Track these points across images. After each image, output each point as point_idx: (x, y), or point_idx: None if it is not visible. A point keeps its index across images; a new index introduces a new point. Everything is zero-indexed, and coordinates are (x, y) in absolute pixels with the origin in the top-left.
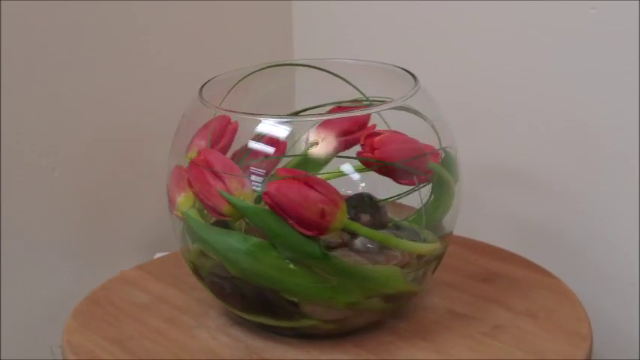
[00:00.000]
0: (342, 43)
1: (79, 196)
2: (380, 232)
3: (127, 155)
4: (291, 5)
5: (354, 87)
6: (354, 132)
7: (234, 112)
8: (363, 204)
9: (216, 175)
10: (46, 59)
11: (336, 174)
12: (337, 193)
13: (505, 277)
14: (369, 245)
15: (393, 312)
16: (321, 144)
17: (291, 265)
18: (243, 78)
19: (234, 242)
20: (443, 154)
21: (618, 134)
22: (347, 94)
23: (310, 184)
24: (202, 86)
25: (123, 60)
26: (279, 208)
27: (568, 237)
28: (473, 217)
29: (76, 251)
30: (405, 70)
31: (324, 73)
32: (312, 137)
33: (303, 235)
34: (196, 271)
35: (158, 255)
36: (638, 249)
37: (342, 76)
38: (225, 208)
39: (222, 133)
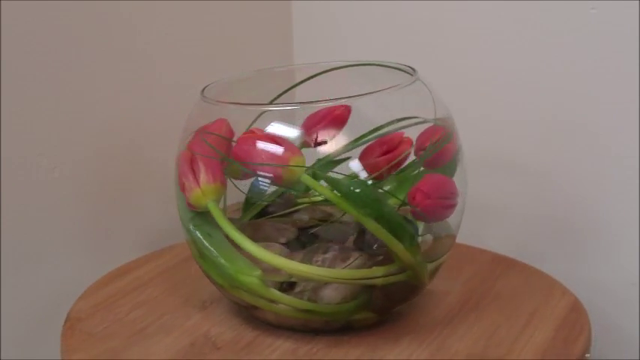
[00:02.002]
0: (342, 45)
1: (78, 196)
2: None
3: (127, 155)
4: (291, 7)
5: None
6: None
7: (242, 104)
8: None
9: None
10: (47, 59)
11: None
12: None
13: (504, 278)
14: None
15: (393, 312)
16: (330, 143)
17: None
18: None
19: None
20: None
21: (618, 134)
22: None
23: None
24: (204, 88)
25: (123, 61)
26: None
27: (568, 237)
28: (470, 214)
29: (76, 251)
30: (410, 67)
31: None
32: (320, 136)
33: None
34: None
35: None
36: (638, 249)
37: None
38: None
39: None
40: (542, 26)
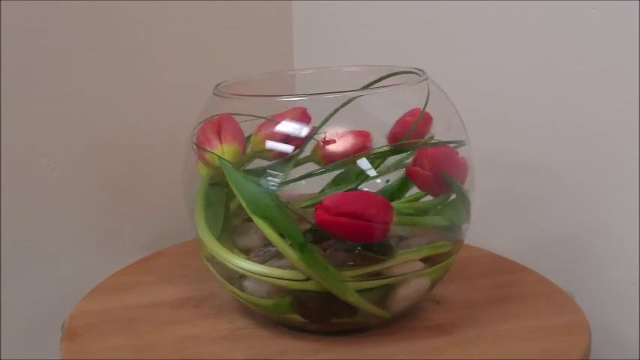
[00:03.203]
0: (342, 46)
1: (79, 197)
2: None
3: (126, 155)
4: (291, 9)
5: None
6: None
7: (255, 95)
8: None
9: None
10: (47, 59)
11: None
12: None
13: (504, 279)
14: None
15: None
16: (339, 142)
17: None
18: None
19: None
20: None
21: (618, 134)
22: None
23: None
24: (218, 84)
25: (123, 61)
26: None
27: (567, 237)
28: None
29: (77, 251)
30: (419, 69)
31: (325, 78)
32: (328, 135)
33: None
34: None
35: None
36: (638, 249)
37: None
38: None
39: None
40: (542, 26)
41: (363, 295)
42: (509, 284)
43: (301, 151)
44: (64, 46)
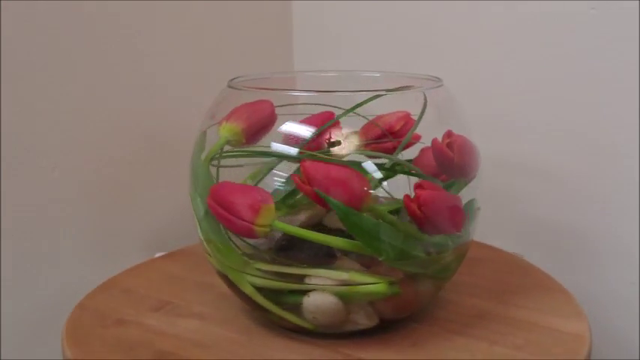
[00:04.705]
0: (342, 47)
1: (79, 197)
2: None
3: (126, 156)
4: (291, 9)
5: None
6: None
7: (270, 89)
8: None
9: None
10: (47, 59)
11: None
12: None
13: (504, 278)
14: None
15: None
16: (345, 143)
17: None
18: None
19: None
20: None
21: (618, 134)
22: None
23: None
24: (232, 79)
25: (122, 62)
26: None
27: (568, 236)
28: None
29: (77, 252)
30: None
31: (325, 80)
32: (334, 136)
33: None
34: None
35: (158, 255)
36: (638, 249)
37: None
38: None
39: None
40: (541, 26)
41: (272, 295)
42: (510, 283)
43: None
44: (64, 46)
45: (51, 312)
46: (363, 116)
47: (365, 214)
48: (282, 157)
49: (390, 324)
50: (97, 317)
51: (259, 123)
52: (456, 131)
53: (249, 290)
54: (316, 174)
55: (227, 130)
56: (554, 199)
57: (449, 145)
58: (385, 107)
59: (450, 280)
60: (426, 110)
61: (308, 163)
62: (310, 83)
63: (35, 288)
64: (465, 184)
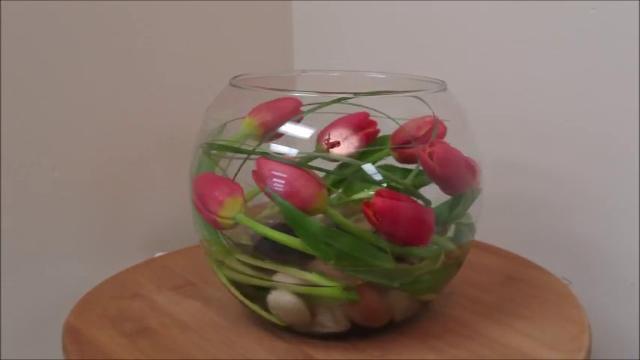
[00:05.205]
0: (342, 47)
1: (78, 197)
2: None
3: (126, 156)
4: (291, 9)
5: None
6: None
7: (273, 89)
8: None
9: None
10: (47, 59)
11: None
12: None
13: (504, 277)
14: None
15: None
16: (344, 144)
17: None
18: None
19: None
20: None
21: (618, 134)
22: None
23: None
24: (234, 77)
25: (122, 61)
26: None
27: (568, 236)
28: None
29: (76, 251)
30: (436, 79)
31: (325, 79)
32: (332, 137)
33: None
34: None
35: (158, 255)
36: (638, 249)
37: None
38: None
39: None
40: (541, 26)
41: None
42: (509, 282)
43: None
44: (65, 46)
45: (51, 312)
46: (392, 119)
47: (311, 218)
48: (237, 151)
49: (368, 331)
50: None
51: (280, 119)
52: (458, 136)
53: (224, 281)
54: (266, 171)
55: (246, 124)
56: (554, 199)
57: (429, 155)
58: (386, 109)
59: (440, 292)
60: (429, 114)
61: (261, 160)
62: (313, 83)
63: (35, 287)
64: (472, 199)
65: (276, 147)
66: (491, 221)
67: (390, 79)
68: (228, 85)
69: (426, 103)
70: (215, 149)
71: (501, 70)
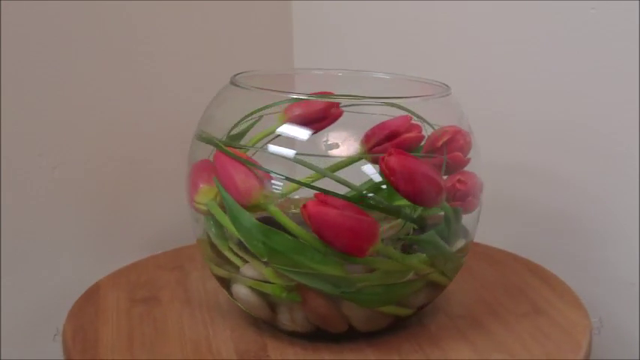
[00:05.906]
0: (342, 47)
1: (78, 197)
2: None
3: (126, 155)
4: (291, 9)
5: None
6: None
7: (274, 90)
8: None
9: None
10: (47, 59)
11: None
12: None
13: (505, 277)
14: None
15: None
16: (342, 146)
17: None
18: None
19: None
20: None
21: (618, 134)
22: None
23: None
24: (235, 75)
25: (122, 61)
26: None
27: (568, 236)
28: None
29: (76, 251)
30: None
31: (324, 79)
32: (332, 139)
33: None
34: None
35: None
36: (638, 249)
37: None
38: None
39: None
40: (541, 26)
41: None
42: (509, 282)
43: None
44: (65, 46)
45: (51, 311)
46: (429, 124)
47: (246, 212)
48: (214, 144)
49: (336, 337)
50: (97, 317)
51: (308, 117)
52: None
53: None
54: (217, 164)
55: (279, 119)
56: (554, 199)
57: (385, 163)
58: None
59: (416, 308)
60: (431, 118)
61: (217, 154)
62: (314, 82)
63: (35, 287)
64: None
65: (272, 147)
66: (492, 221)
67: (394, 79)
68: (229, 83)
69: (420, 118)
70: (204, 139)
71: (501, 70)
